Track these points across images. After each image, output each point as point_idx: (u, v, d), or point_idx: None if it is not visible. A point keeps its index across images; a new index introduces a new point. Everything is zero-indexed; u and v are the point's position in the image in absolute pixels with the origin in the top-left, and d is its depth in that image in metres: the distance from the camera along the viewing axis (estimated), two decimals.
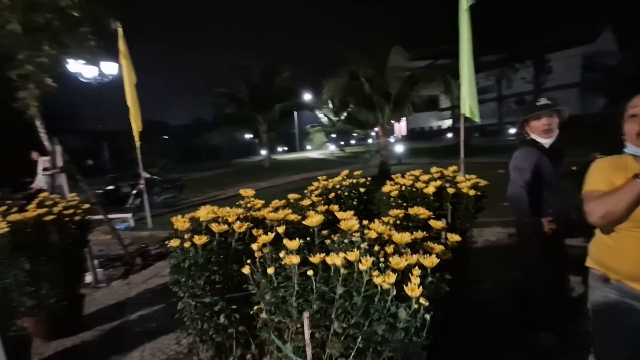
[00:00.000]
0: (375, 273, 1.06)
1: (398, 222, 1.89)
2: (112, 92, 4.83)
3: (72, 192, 4.18)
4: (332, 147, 38.51)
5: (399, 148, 19.37)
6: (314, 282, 1.06)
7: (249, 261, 1.32)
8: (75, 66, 7.02)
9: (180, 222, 1.57)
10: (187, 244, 1.41)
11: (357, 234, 1.23)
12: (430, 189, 2.19)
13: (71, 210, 2.94)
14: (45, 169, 4.41)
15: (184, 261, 1.45)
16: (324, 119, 26.55)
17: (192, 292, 1.44)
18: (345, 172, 2.77)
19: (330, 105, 19.33)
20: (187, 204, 9.09)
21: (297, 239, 1.24)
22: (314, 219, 1.32)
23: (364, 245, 1.17)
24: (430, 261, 1.12)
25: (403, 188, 2.33)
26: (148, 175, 8.92)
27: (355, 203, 2.48)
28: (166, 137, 33.13)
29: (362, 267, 1.01)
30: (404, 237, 1.30)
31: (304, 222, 1.35)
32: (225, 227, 1.49)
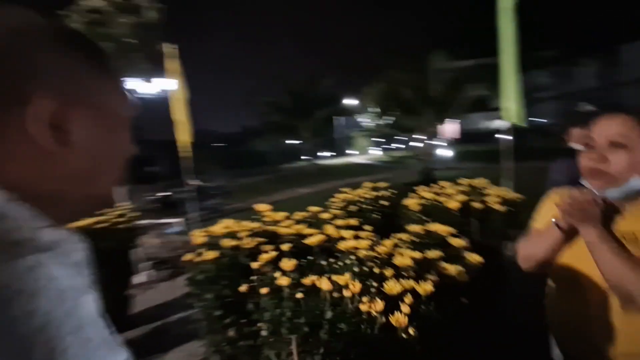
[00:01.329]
0: (366, 299, 1.04)
1: (415, 239, 1.82)
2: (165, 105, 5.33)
3: (130, 200, 4.66)
4: (377, 152, 38.00)
5: (447, 152, 18.50)
6: (302, 305, 1.07)
7: (254, 277, 1.37)
8: (136, 83, 7.86)
9: (197, 236, 1.68)
10: (198, 259, 1.50)
11: (353, 256, 1.21)
12: (454, 204, 2.07)
13: (122, 218, 3.26)
14: None
15: (198, 274, 1.54)
16: (369, 124, 26.40)
17: (204, 305, 1.53)
18: (369, 184, 2.73)
19: (374, 109, 19.18)
20: (233, 209, 9.59)
21: (300, 257, 1.26)
22: (313, 239, 1.33)
23: (355, 269, 1.15)
24: (424, 288, 1.06)
25: (426, 202, 2.24)
26: (198, 183, 9.57)
27: (376, 216, 2.43)
28: (218, 144, 35.24)
29: (346, 293, 1.00)
30: (405, 260, 1.25)
31: (302, 241, 1.36)
32: (235, 242, 1.56)
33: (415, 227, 1.86)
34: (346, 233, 1.41)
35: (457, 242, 1.73)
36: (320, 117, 20.31)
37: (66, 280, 0.35)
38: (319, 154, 38.95)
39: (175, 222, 7.96)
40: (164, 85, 11.46)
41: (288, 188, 14.19)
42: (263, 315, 1.23)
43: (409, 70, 9.94)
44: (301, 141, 23.48)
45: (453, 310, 1.16)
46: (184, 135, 6.95)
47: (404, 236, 1.81)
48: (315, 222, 2.19)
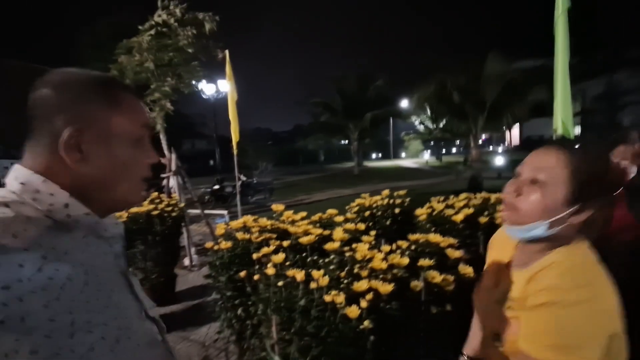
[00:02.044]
0: (334, 292, 1.23)
1: (413, 247, 1.95)
2: (226, 104, 5.87)
3: (184, 191, 5.28)
4: (427, 156, 36.71)
5: (501, 160, 17.33)
6: (282, 293, 1.30)
7: (257, 267, 1.62)
8: (200, 86, 8.73)
9: (219, 227, 1.99)
10: (216, 247, 1.81)
11: (333, 256, 1.41)
12: (459, 217, 2.13)
13: (170, 208, 3.77)
14: (162, 172, 5.63)
15: (216, 260, 1.85)
16: (420, 127, 25.69)
17: (218, 286, 1.83)
18: (386, 191, 2.85)
19: (426, 112, 18.65)
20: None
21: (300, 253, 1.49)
22: (305, 238, 1.55)
23: (333, 267, 1.34)
24: (385, 288, 1.23)
25: (434, 213, 2.32)
26: (244, 179, 10.27)
27: (388, 223, 2.56)
28: (270, 142, 36.80)
29: (312, 285, 1.21)
30: (381, 264, 1.41)
31: (299, 240, 1.58)
32: (247, 235, 1.84)
33: (415, 236, 1.98)
34: (338, 233, 1.60)
35: (452, 253, 1.82)
36: (370, 118, 20.27)
37: (100, 256, 0.55)
38: (368, 155, 38.71)
39: (221, 214, 8.71)
40: (222, 87, 12.50)
41: (330, 188, 14.48)
42: (258, 297, 1.48)
43: (460, 72, 9.59)
44: (349, 142, 23.64)
45: (416, 312, 1.29)
46: (235, 133, 7.58)
47: (403, 244, 1.94)
48: (330, 224, 2.40)
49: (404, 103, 26.45)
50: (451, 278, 1.60)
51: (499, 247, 0.94)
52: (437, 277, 1.57)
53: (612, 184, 0.80)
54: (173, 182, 5.17)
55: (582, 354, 0.65)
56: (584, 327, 0.66)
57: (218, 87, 13.98)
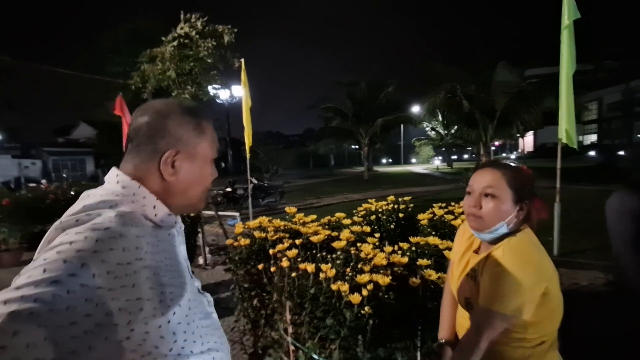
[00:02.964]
0: (340, 283, 1.43)
1: (413, 248, 2.14)
2: (239, 109, 6.14)
3: None
4: (438, 162, 36.55)
5: None
6: (295, 282, 1.51)
7: (275, 262, 1.84)
8: (218, 92, 9.10)
9: (238, 227, 2.22)
10: (236, 243, 2.03)
11: (340, 253, 1.61)
12: (458, 222, 2.31)
13: None
14: None
15: (235, 255, 2.07)
16: (432, 133, 25.71)
17: (237, 279, 2.05)
18: (391, 197, 3.04)
19: (436, 119, 18.71)
20: (284, 209, 10.38)
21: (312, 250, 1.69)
22: (316, 237, 1.76)
23: (339, 262, 1.55)
24: (384, 280, 1.42)
25: (434, 218, 2.50)
26: (256, 182, 10.56)
27: (392, 227, 2.75)
28: (281, 145, 37.28)
29: (322, 275, 1.41)
30: (382, 261, 1.61)
31: (310, 239, 1.79)
32: (264, 234, 2.06)
33: (416, 239, 2.17)
34: (345, 234, 1.81)
35: (449, 255, 2.00)
36: (381, 124, 20.42)
37: (176, 245, 0.76)
38: (378, 160, 38.71)
39: (233, 216, 8.99)
40: (236, 92, 12.91)
41: (340, 192, 14.65)
42: (273, 286, 1.69)
43: (469, 81, 9.69)
44: (360, 147, 23.81)
45: (413, 304, 1.49)
46: (248, 138, 7.86)
47: (405, 245, 2.14)
48: (338, 226, 2.60)
49: (415, 109, 26.58)
50: (444, 276, 1.79)
51: (467, 236, 1.21)
52: (433, 275, 1.76)
53: (533, 187, 1.07)
54: None
55: (511, 303, 0.91)
56: (514, 285, 0.92)
57: (232, 93, 14.41)
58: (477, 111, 9.55)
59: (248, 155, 8.11)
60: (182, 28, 5.16)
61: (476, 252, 1.16)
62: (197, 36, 5.06)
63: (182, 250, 0.81)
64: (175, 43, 5.13)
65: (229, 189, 10.98)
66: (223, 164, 31.67)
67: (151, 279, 0.62)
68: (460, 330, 1.18)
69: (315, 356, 1.38)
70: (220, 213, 7.19)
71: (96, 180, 20.17)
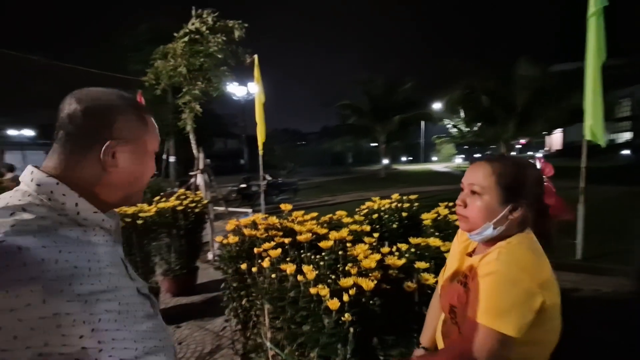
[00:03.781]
0: (320, 286, 1.33)
1: (413, 249, 2.00)
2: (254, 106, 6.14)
3: (211, 188, 5.57)
4: (459, 160, 35.58)
5: (538, 166, 16.39)
6: (275, 284, 1.42)
7: (259, 261, 1.76)
8: (231, 88, 9.13)
9: (230, 224, 2.15)
10: (225, 240, 1.97)
11: (325, 254, 1.51)
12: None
13: (194, 204, 4.02)
14: (190, 170, 5.97)
15: (225, 253, 2.01)
16: (453, 130, 25.07)
17: (226, 277, 1.98)
18: (396, 195, 2.90)
19: (456, 116, 18.17)
20: (298, 206, 10.34)
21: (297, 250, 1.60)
22: (302, 236, 1.66)
23: (323, 263, 1.45)
24: (367, 284, 1.31)
25: (438, 218, 2.35)
26: (269, 178, 10.58)
27: (395, 226, 2.61)
28: (298, 143, 37.37)
29: (300, 278, 1.31)
30: (370, 263, 1.49)
31: (297, 237, 1.70)
32: (254, 232, 1.98)
33: (416, 240, 2.03)
34: (333, 234, 1.70)
35: None
36: (398, 121, 20.04)
37: (104, 245, 0.68)
38: (397, 158, 38.15)
39: (245, 212, 9.03)
40: (252, 89, 12.99)
41: (355, 190, 14.47)
42: (255, 287, 1.61)
43: (488, 76, 9.25)
44: (378, 144, 23.48)
45: (406, 310, 1.37)
46: (260, 134, 7.85)
47: (404, 246, 2.00)
48: (339, 225, 2.49)
49: (436, 106, 25.94)
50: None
51: (465, 237, 1.10)
52: (430, 279, 1.63)
53: (536, 185, 0.93)
54: (200, 179, 5.48)
55: (506, 318, 0.78)
56: (510, 297, 0.80)
57: (248, 90, 14.50)
58: (497, 107, 9.13)
59: (261, 152, 8.12)
60: (192, 24, 5.16)
61: (470, 255, 1.06)
62: (208, 31, 5.05)
63: (116, 250, 0.74)
64: (186, 39, 5.15)
65: (243, 185, 11.06)
66: (242, 161, 32.06)
67: (66, 290, 0.56)
68: (440, 339, 1.06)
69: None
70: (232, 209, 7.23)
71: None
